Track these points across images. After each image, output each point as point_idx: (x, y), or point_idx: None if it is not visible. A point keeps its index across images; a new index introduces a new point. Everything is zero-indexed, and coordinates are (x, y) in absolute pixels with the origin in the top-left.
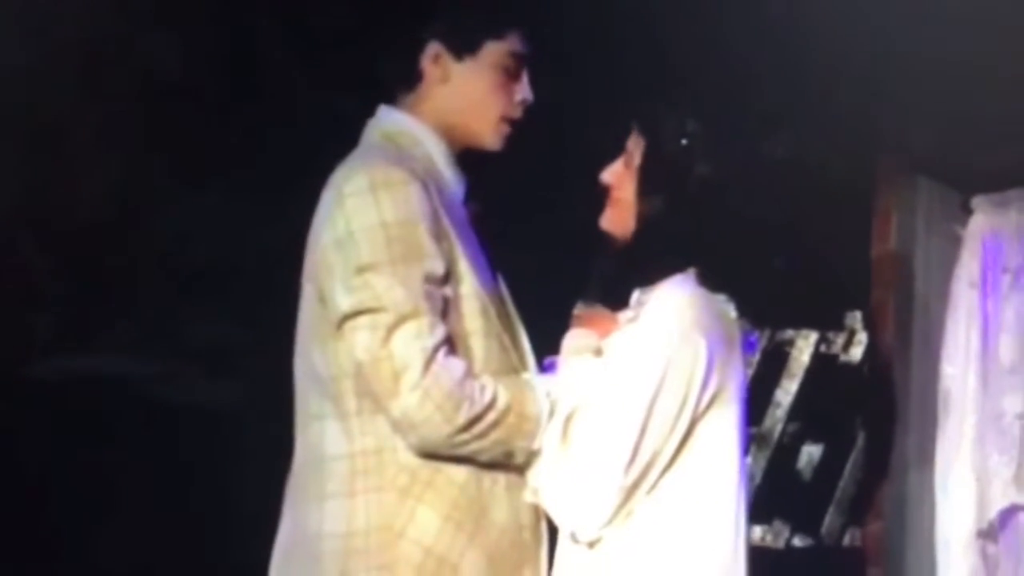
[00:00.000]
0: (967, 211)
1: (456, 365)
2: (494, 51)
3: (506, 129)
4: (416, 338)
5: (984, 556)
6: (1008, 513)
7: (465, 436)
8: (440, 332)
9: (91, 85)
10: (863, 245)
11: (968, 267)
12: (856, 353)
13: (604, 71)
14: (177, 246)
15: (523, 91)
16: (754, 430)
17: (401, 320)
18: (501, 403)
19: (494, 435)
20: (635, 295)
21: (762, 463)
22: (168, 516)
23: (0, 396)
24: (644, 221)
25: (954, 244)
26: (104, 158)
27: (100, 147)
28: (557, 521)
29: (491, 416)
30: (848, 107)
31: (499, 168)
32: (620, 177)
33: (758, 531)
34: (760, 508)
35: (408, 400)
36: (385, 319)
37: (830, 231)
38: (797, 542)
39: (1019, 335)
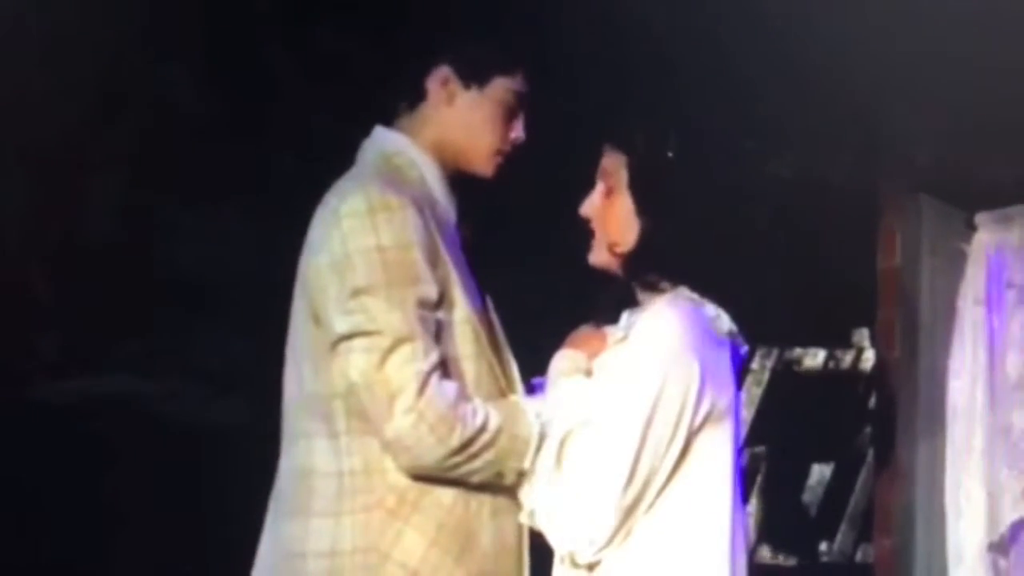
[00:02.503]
0: (971, 228)
1: (449, 388)
2: (501, 86)
3: (499, 159)
4: (411, 361)
5: (995, 569)
6: (1019, 526)
7: (458, 458)
8: (434, 356)
9: (99, 110)
10: (869, 263)
11: (973, 283)
12: (864, 370)
13: (604, 95)
14: (183, 267)
15: (517, 130)
16: (764, 449)
17: (396, 344)
18: (493, 425)
19: (486, 456)
20: (624, 315)
21: (773, 481)
22: (174, 535)
23: (6, 417)
24: (645, 236)
25: (959, 261)
26: (110, 181)
27: (106, 170)
28: (555, 544)
29: (484, 438)
30: (851, 126)
31: (487, 190)
32: (603, 200)
33: (771, 549)
34: (772, 525)
35: (402, 423)
36: (380, 342)
37: (835, 250)
38: (810, 559)
39: None
